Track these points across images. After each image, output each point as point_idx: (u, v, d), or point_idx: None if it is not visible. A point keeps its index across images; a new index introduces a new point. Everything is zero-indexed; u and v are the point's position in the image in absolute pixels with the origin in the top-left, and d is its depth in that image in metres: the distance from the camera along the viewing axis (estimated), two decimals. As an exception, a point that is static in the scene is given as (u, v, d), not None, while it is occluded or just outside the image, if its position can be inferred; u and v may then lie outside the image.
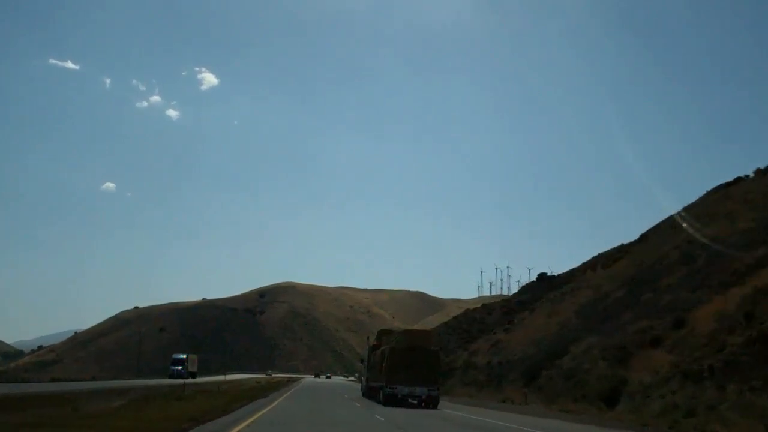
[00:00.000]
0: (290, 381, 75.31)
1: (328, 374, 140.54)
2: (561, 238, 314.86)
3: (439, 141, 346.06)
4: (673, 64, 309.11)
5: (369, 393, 41.00)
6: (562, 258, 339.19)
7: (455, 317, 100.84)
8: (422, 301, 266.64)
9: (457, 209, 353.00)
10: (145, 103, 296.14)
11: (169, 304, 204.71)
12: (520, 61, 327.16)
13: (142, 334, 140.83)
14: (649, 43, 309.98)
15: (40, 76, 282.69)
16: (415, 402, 33.60)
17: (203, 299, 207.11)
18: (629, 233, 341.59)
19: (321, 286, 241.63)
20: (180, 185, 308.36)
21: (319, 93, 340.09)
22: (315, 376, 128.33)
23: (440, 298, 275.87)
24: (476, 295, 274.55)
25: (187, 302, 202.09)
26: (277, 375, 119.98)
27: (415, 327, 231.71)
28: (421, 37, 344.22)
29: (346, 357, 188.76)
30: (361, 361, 48.19)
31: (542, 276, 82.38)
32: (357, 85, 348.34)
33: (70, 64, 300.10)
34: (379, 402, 34.42)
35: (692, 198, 55.40)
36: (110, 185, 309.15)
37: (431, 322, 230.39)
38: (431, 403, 32.42)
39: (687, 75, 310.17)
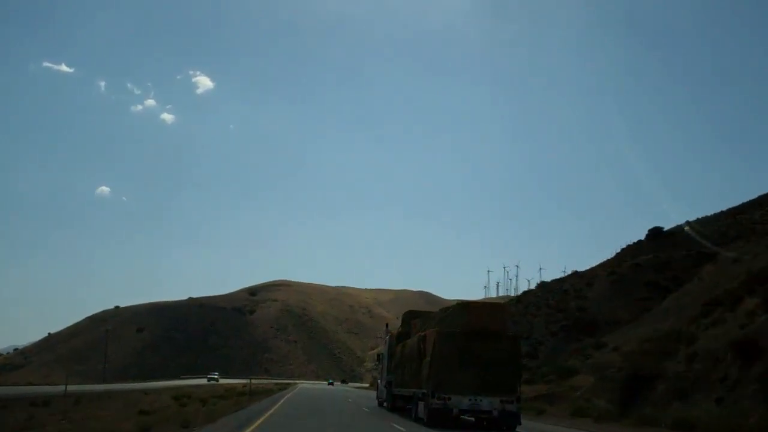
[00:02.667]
0: (262, 392, 44.74)
1: (331, 380, 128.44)
2: (567, 238, 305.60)
3: (442, 142, 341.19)
4: (678, 67, 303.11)
5: (394, 403, 28.72)
6: (572, 258, 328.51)
7: (526, 292, 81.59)
8: (427, 302, 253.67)
9: (460, 208, 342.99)
10: (140, 107, 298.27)
11: (149, 303, 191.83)
12: (523, 63, 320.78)
13: (110, 334, 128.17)
14: (653, 46, 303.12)
15: (35, 79, 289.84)
16: (473, 419, 21.30)
17: (189, 298, 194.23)
18: (633, 231, 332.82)
19: (318, 284, 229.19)
20: (176, 189, 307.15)
21: (315, 96, 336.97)
22: (343, 382, 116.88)
23: (446, 299, 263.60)
24: (482, 296, 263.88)
25: (170, 301, 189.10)
26: (259, 380, 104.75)
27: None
28: (421, 40, 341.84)
29: (346, 361, 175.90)
30: (378, 359, 35.87)
31: (657, 231, 69.08)
32: (355, 88, 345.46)
33: (64, 67, 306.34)
34: (417, 419, 22.05)
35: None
36: (105, 189, 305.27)
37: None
38: (506, 422, 20.01)
39: (693, 78, 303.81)
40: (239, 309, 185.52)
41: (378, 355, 36.13)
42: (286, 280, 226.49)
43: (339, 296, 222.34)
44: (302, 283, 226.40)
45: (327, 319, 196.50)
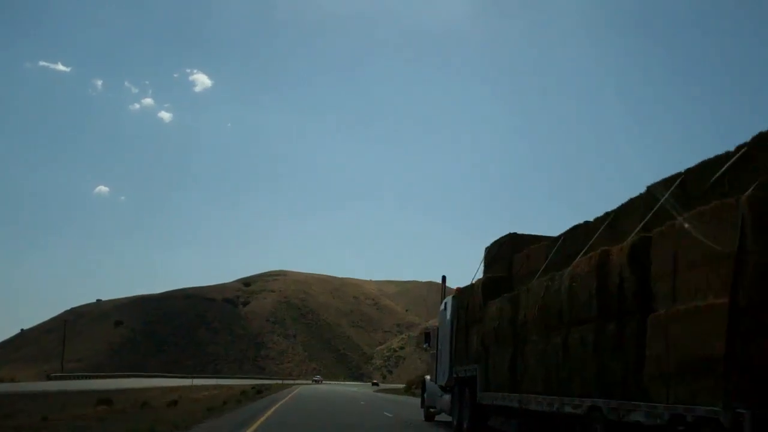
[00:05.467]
0: None
1: (375, 381, 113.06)
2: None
3: (444, 135, 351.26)
4: (686, 66, 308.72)
5: (477, 420, 14.28)
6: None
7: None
8: (439, 293, 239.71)
9: (466, 199, 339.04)
10: (138, 106, 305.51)
11: (132, 296, 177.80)
12: (525, 60, 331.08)
13: (86, 328, 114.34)
14: (660, 44, 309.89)
15: (31, 78, 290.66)
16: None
17: (175, 289, 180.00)
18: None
19: (319, 275, 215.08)
20: (174, 187, 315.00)
21: (313, 94, 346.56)
22: (374, 384, 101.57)
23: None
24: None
25: (154, 294, 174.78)
26: (232, 381, 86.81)
27: (433, 321, 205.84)
28: (420, 38, 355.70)
29: (351, 357, 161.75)
30: (427, 340, 21.31)
31: None
32: (353, 85, 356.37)
33: (60, 66, 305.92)
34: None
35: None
36: (103, 188, 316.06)
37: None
38: None
39: (700, 76, 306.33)
40: (231, 300, 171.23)
41: (427, 334, 21.53)
42: (283, 270, 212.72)
43: (342, 286, 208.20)
44: (301, 272, 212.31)
45: (329, 312, 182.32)
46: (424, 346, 21.59)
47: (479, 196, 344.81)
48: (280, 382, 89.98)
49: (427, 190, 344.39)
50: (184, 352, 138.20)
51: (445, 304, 18.43)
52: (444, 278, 20.71)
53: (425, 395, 21.07)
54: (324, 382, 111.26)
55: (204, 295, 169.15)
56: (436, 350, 19.36)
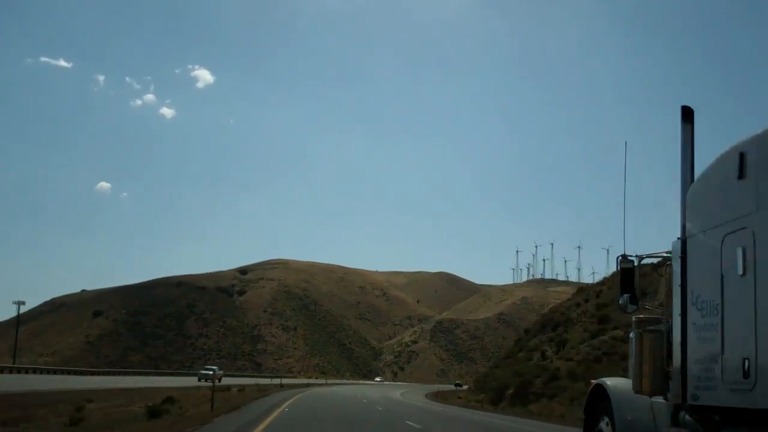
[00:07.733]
0: None
1: (459, 383, 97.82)
2: (601, 212, 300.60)
3: (450, 129, 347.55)
4: (685, 62, 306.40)
5: None
6: (609, 234, 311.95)
7: None
8: (451, 284, 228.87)
9: (476, 185, 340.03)
10: (140, 102, 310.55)
11: (117, 286, 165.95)
12: (523, 56, 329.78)
13: (63, 320, 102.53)
14: (659, 40, 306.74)
15: (32, 74, 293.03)
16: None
17: (164, 277, 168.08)
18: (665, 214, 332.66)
19: (322, 263, 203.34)
20: (176, 184, 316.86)
21: (316, 89, 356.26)
22: (456, 386, 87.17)
23: (473, 282, 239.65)
24: (511, 280, 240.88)
25: (138, 282, 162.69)
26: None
27: (446, 313, 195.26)
28: (422, 35, 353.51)
29: (358, 353, 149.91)
30: (624, 295, 8.93)
31: None
32: (355, 81, 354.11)
33: (62, 62, 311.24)
34: None
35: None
36: (105, 185, 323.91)
37: (472, 307, 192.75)
38: None
39: (701, 74, 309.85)
40: (226, 289, 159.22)
41: (627, 274, 8.99)
42: (283, 259, 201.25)
43: (347, 276, 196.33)
44: (303, 261, 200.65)
45: (333, 303, 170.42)
46: (620, 300, 8.92)
47: (484, 188, 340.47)
48: (274, 382, 60.75)
49: (428, 184, 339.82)
50: (171, 345, 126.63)
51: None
52: (688, 112, 8.03)
53: (613, 427, 8.58)
54: (330, 382, 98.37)
55: (195, 283, 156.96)
56: (682, 311, 7.05)
